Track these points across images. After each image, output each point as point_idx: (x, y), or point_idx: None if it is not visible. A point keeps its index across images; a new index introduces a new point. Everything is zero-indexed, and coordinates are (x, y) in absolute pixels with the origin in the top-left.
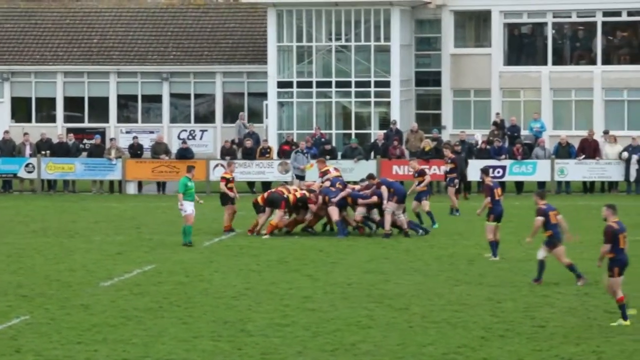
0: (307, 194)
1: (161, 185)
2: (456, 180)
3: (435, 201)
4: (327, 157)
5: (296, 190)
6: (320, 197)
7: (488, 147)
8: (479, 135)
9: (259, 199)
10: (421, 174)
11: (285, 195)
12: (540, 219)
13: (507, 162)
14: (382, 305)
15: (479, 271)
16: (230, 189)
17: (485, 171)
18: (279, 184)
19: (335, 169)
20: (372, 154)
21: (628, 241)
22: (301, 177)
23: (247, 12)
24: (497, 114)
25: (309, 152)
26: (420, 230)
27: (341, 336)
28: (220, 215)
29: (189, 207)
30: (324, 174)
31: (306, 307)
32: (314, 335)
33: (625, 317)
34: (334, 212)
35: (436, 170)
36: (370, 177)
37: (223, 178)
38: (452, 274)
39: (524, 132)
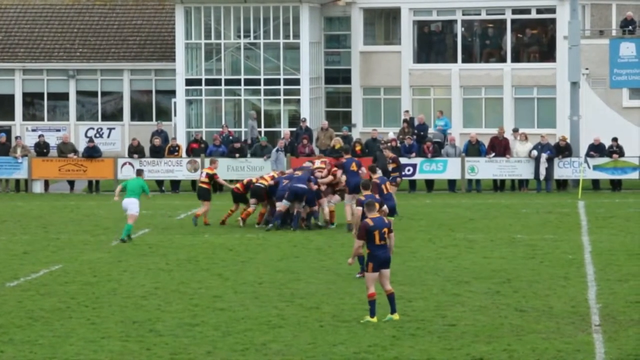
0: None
1: (71, 184)
2: (398, 179)
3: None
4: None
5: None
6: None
7: (399, 145)
8: (391, 134)
9: (239, 186)
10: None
11: (264, 185)
12: (360, 209)
13: (417, 160)
14: (292, 304)
15: (390, 270)
16: (209, 184)
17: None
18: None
19: (322, 162)
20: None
21: (393, 237)
22: None
23: (154, 9)
24: (406, 111)
25: (220, 150)
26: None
27: (251, 336)
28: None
29: (136, 207)
30: None
31: (216, 307)
32: (224, 334)
33: (373, 314)
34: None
35: None
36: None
37: (213, 174)
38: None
39: (432, 130)
